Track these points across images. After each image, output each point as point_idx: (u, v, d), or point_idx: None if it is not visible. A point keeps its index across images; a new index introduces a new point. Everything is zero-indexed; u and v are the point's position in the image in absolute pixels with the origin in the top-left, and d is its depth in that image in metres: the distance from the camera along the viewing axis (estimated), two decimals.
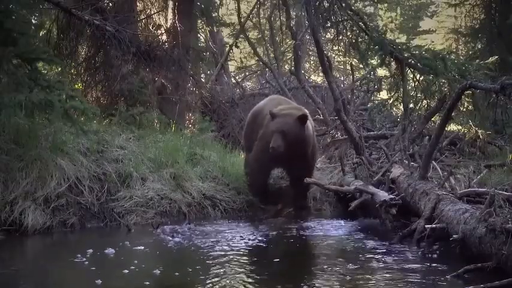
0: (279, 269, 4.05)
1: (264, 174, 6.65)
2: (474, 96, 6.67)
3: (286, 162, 6.33)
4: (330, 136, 9.27)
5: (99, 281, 3.50)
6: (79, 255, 4.16)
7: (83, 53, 8.36)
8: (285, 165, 6.51)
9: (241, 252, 4.59)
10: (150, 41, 7.73)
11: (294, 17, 12.61)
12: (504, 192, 4.66)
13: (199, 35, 14.21)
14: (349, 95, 10.78)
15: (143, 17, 9.15)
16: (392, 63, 7.27)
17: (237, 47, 14.19)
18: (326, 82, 8.97)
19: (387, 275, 3.77)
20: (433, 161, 5.93)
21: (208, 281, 3.61)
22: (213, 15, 13.86)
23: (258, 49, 14.64)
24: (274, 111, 6.11)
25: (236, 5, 13.51)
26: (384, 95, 10.32)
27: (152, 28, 9.15)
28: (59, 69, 7.93)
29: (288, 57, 15.40)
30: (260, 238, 5.05)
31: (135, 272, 3.83)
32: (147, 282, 3.56)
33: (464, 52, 13.80)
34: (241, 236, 5.15)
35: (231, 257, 4.36)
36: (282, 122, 5.97)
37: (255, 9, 14.01)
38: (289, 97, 9.85)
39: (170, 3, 9.30)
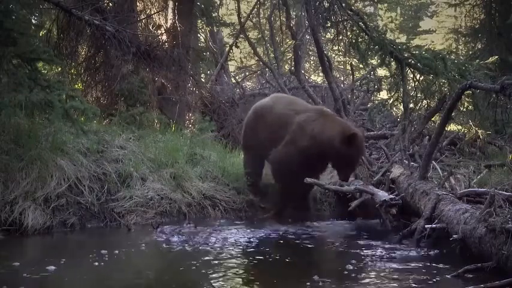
0: (279, 269, 4.05)
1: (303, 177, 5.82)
2: (474, 96, 6.67)
3: None
4: None
5: (99, 281, 3.50)
6: (79, 255, 4.16)
7: (83, 53, 8.33)
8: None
9: (241, 252, 4.60)
10: (150, 41, 7.70)
11: (294, 17, 12.61)
12: (504, 192, 4.66)
13: (199, 35, 14.20)
14: (349, 95, 10.77)
15: (143, 17, 9.14)
16: (392, 63, 7.26)
17: (237, 47, 14.16)
18: (326, 82, 8.97)
19: (387, 275, 3.78)
20: (433, 161, 5.93)
21: (208, 281, 3.61)
22: (213, 15, 13.84)
23: (258, 49, 14.62)
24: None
25: (236, 5, 13.49)
26: (384, 95, 10.32)
27: (152, 28, 9.14)
28: (59, 69, 7.93)
29: (288, 57, 15.37)
30: (260, 238, 5.05)
31: (134, 272, 3.83)
32: (146, 282, 3.56)
33: (464, 52, 13.80)
34: (241, 236, 5.15)
35: (231, 257, 4.36)
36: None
37: (255, 9, 13.99)
38: None
39: (170, 3, 9.29)
